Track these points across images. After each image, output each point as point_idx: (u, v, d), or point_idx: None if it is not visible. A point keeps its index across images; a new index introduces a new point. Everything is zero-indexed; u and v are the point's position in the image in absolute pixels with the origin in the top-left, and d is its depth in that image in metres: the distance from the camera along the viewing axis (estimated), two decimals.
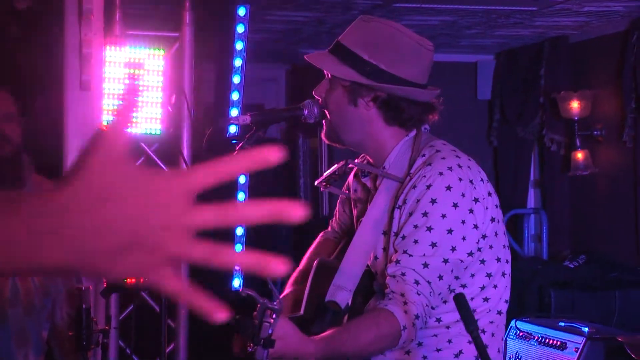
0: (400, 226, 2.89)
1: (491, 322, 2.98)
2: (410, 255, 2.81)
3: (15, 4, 5.81)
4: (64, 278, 3.89)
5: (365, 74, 2.93)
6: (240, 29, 5.94)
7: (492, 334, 2.99)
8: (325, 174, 3.14)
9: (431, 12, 6.45)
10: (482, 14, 6.53)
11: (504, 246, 2.99)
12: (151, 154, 6.43)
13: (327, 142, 3.10)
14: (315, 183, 3.18)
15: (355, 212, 3.20)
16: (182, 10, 6.33)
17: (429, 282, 2.79)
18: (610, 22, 6.79)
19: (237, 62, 6.01)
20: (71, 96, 5.59)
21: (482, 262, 2.91)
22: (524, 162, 8.11)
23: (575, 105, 7.20)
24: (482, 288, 2.94)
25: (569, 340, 5.37)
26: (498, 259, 2.95)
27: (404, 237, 2.86)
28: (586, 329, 5.37)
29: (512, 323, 5.68)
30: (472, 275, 2.90)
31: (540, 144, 7.89)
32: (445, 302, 2.88)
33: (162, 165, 6.45)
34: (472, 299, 2.87)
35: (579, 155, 7.22)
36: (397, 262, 2.83)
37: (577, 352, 5.29)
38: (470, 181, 2.89)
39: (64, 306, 3.92)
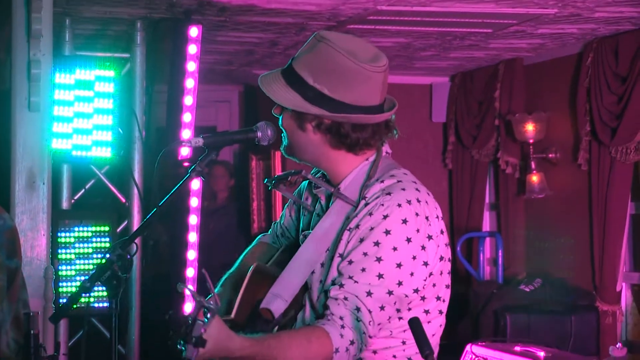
0: (348, 250, 2.85)
1: (417, 353, 2.84)
2: (356, 282, 2.78)
3: None
4: (10, 303, 3.79)
5: (309, 99, 2.89)
6: (192, 49, 5.88)
7: None
8: (278, 175, 3.14)
9: (386, 33, 6.43)
10: (437, 35, 6.52)
11: (447, 286, 2.97)
12: (102, 176, 6.35)
13: (285, 155, 3.07)
14: (265, 181, 3.16)
15: (302, 220, 3.16)
16: (133, 31, 6.27)
17: (370, 311, 2.77)
18: (565, 44, 6.81)
19: (189, 84, 5.94)
20: (20, 117, 5.50)
21: (423, 298, 2.89)
22: (479, 184, 8.10)
23: (530, 127, 7.20)
24: None
25: None
26: (438, 298, 2.93)
27: (350, 262, 2.82)
28: (542, 354, 5.35)
29: (468, 348, 5.62)
30: (409, 310, 2.87)
31: (495, 166, 7.89)
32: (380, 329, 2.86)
33: (112, 188, 6.37)
34: (404, 331, 2.84)
35: (534, 178, 7.22)
36: (341, 285, 2.79)
37: None
38: (427, 217, 2.85)
39: (9, 332, 3.82)
